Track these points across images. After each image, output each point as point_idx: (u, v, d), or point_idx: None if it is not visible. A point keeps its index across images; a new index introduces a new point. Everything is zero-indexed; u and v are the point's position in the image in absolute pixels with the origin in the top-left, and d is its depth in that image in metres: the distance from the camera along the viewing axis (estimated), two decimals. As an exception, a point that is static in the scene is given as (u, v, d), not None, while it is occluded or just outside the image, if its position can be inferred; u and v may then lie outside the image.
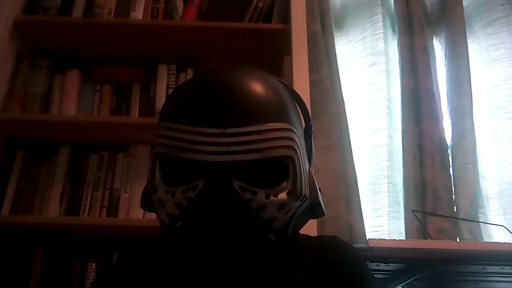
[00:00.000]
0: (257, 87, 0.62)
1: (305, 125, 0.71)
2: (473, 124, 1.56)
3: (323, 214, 0.69)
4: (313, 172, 0.69)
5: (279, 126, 0.60)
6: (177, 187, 0.60)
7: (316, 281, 0.68)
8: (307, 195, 0.64)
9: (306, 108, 0.72)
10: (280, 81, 0.70)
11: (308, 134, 0.70)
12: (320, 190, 0.70)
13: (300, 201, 0.63)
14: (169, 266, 0.71)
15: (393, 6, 1.79)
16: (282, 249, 0.65)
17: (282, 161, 0.61)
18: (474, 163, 1.51)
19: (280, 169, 0.61)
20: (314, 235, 1.04)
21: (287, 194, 0.61)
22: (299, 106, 0.70)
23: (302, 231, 1.14)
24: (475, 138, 1.55)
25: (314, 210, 0.68)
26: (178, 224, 0.61)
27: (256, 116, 0.59)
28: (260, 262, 0.61)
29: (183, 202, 0.59)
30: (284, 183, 0.61)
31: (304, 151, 0.67)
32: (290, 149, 0.61)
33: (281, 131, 0.60)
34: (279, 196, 0.60)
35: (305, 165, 0.65)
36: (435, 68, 1.71)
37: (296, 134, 0.62)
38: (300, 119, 0.69)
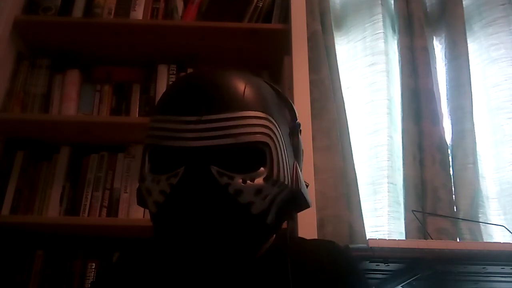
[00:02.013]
0: (236, 81, 0.66)
1: (292, 123, 0.73)
2: (473, 124, 1.56)
3: (308, 206, 0.71)
4: (297, 166, 0.71)
5: (254, 114, 0.64)
6: (162, 175, 0.63)
7: (311, 286, 0.68)
8: (286, 182, 0.66)
9: (293, 107, 0.75)
10: (266, 82, 0.73)
11: (295, 131, 0.72)
12: (307, 186, 0.73)
13: (278, 187, 0.65)
14: (165, 265, 0.71)
15: (393, 6, 1.79)
16: (265, 235, 0.67)
17: (258, 147, 0.63)
18: (474, 163, 1.51)
19: (257, 155, 0.64)
20: (312, 237, 1.04)
21: (264, 179, 0.63)
22: (285, 105, 0.73)
23: (302, 230, 1.14)
24: (475, 138, 1.55)
25: (298, 201, 0.70)
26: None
27: (232, 105, 0.63)
28: (242, 246, 0.63)
29: (166, 189, 0.62)
30: (261, 168, 0.64)
31: (288, 144, 0.69)
32: (265, 136, 0.64)
33: (256, 118, 0.64)
34: (255, 181, 0.62)
35: (286, 155, 0.67)
36: (435, 68, 1.71)
37: (273, 124, 0.65)
38: (285, 117, 0.72)
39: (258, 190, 0.62)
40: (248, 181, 0.62)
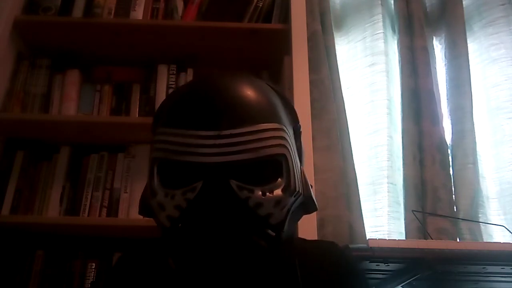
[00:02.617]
0: (248, 91, 0.65)
1: (294, 125, 0.73)
2: (473, 124, 1.55)
3: (315, 209, 0.72)
4: (304, 170, 0.71)
5: (271, 126, 0.63)
6: (176, 190, 0.62)
7: (312, 287, 0.68)
8: (300, 191, 0.66)
9: (294, 109, 0.75)
10: (268, 84, 0.72)
11: (297, 133, 0.72)
12: (312, 187, 0.72)
13: (294, 196, 0.65)
14: (169, 268, 0.71)
15: (393, 6, 1.79)
16: (281, 245, 0.66)
17: (276, 159, 0.63)
18: (474, 163, 1.51)
19: (274, 167, 0.63)
20: (312, 237, 1.04)
21: (282, 190, 0.63)
22: (287, 107, 0.72)
23: (302, 230, 1.14)
24: (475, 138, 1.54)
25: (307, 205, 0.70)
26: (178, 226, 0.62)
27: (249, 118, 0.62)
28: (260, 258, 0.62)
29: (182, 204, 0.61)
30: (279, 179, 0.64)
31: (295, 150, 0.69)
32: (282, 148, 0.63)
33: (273, 131, 0.63)
34: (274, 193, 0.62)
35: (297, 162, 0.67)
36: (435, 68, 1.70)
37: (287, 133, 0.65)
38: (289, 120, 0.71)
39: (277, 202, 0.62)
40: (268, 193, 0.62)
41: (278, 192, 0.62)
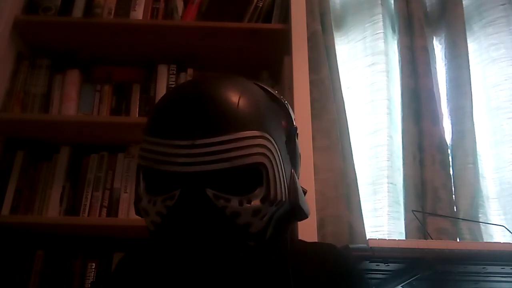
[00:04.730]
0: (229, 97, 0.63)
1: (289, 128, 0.71)
2: (473, 124, 1.56)
3: (306, 216, 0.70)
4: (295, 174, 0.69)
5: (249, 134, 0.61)
6: (158, 197, 0.63)
7: None
8: (283, 199, 0.65)
9: (289, 111, 0.73)
10: (260, 86, 0.71)
11: (291, 137, 0.71)
12: (305, 192, 0.71)
13: (275, 205, 0.64)
14: (165, 269, 0.71)
15: (393, 6, 1.79)
16: (262, 253, 0.66)
17: (255, 168, 0.62)
18: (474, 163, 1.51)
19: (253, 175, 0.62)
20: (312, 237, 1.04)
21: (260, 200, 0.62)
22: (282, 111, 0.71)
23: (302, 231, 1.13)
24: (475, 138, 1.55)
25: (296, 212, 0.69)
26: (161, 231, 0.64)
27: (225, 126, 0.60)
28: (237, 265, 0.63)
29: (163, 210, 0.62)
30: (257, 189, 0.62)
31: (285, 155, 0.67)
32: (261, 156, 0.62)
33: (251, 139, 0.61)
34: (252, 203, 0.61)
35: (283, 169, 0.65)
36: (435, 68, 1.70)
37: (269, 141, 0.63)
38: (281, 125, 0.69)
39: (255, 212, 0.61)
40: (245, 203, 0.61)
41: (256, 202, 0.61)
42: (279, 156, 0.65)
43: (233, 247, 0.61)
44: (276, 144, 0.64)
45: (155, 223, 0.63)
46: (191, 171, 0.59)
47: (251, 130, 0.62)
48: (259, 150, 0.61)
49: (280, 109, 0.71)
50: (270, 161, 0.63)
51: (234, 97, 0.63)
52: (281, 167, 0.65)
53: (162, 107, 0.66)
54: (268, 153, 0.62)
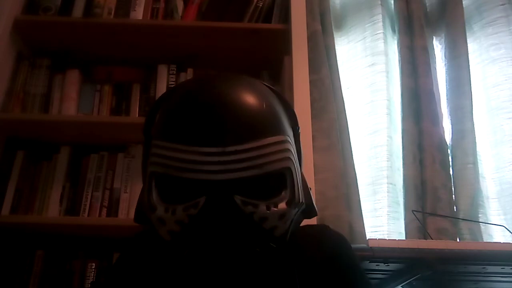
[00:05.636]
0: (250, 99, 0.63)
1: (293, 128, 0.72)
2: (473, 124, 1.56)
3: (316, 214, 0.71)
4: (303, 173, 0.71)
5: (276, 139, 0.62)
6: (177, 205, 0.61)
7: (312, 272, 0.69)
8: (302, 200, 0.66)
9: (293, 112, 0.73)
10: (267, 86, 0.71)
11: (296, 136, 0.71)
12: (310, 189, 0.72)
13: (297, 207, 0.65)
14: (170, 267, 0.71)
15: (393, 6, 1.79)
16: (281, 252, 0.66)
17: (281, 172, 0.62)
18: (474, 163, 1.51)
19: (279, 179, 0.63)
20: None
21: (286, 203, 0.63)
22: (287, 111, 0.71)
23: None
24: (475, 138, 1.55)
25: (308, 211, 0.70)
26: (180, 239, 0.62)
27: (254, 132, 0.60)
28: (259, 266, 0.63)
29: (184, 219, 0.60)
30: (283, 193, 0.63)
31: (297, 156, 0.68)
32: (287, 161, 0.63)
33: (279, 144, 0.62)
34: (279, 206, 0.62)
35: (300, 171, 0.67)
36: (435, 68, 1.71)
37: (290, 144, 0.64)
38: (290, 123, 0.70)
39: (282, 215, 0.62)
40: (272, 208, 0.61)
41: (282, 205, 0.62)
42: (296, 158, 0.66)
43: (257, 249, 0.61)
44: (293, 147, 0.66)
45: (173, 232, 0.61)
46: (220, 179, 0.58)
47: (277, 135, 0.62)
48: (285, 155, 0.62)
49: (287, 109, 0.71)
50: (293, 163, 0.64)
51: (256, 101, 0.63)
52: (299, 169, 0.66)
53: (179, 110, 0.63)
54: (291, 157, 0.64)
